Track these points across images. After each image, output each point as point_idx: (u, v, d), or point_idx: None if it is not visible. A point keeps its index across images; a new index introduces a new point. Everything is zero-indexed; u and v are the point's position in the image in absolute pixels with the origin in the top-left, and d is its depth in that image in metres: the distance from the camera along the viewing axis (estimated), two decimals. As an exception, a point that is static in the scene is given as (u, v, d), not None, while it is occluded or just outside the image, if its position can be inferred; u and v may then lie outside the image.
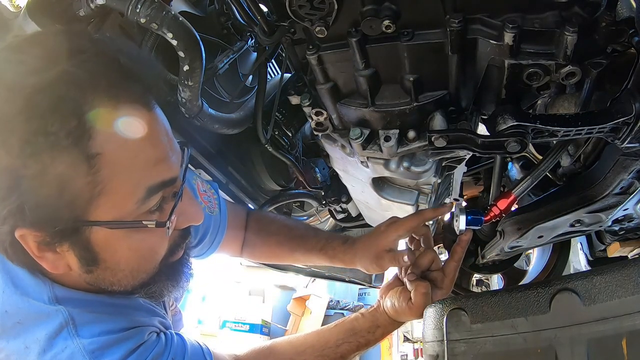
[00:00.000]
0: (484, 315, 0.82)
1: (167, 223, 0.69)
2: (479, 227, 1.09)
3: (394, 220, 1.08)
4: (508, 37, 0.71)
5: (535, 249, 2.05)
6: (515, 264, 1.90)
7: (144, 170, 0.65)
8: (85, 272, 0.70)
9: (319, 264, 1.19)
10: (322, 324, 5.22)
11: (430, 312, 0.87)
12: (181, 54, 1.00)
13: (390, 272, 1.21)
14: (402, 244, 1.14)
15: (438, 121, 0.85)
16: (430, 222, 1.28)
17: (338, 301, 5.90)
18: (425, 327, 0.88)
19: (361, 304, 6.36)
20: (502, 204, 1.08)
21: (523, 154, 0.86)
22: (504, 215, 1.09)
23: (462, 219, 1.05)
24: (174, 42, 0.98)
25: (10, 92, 0.57)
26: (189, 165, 1.04)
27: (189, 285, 0.86)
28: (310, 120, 0.99)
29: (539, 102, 1.03)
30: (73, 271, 0.70)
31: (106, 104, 0.60)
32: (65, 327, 0.71)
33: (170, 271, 0.78)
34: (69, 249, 0.67)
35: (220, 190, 1.19)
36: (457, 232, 1.07)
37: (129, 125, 0.63)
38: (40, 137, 0.56)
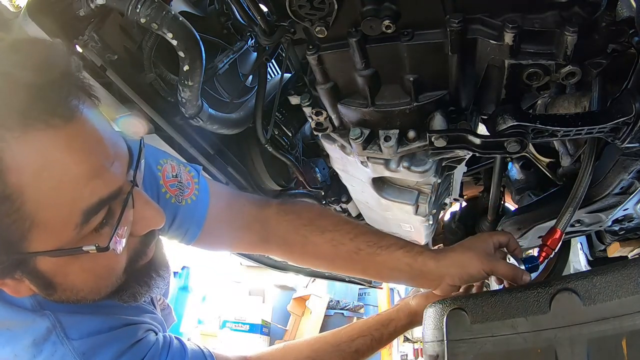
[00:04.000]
0: (484, 315, 0.82)
1: (109, 246, 0.62)
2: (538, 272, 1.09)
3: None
4: (508, 37, 0.71)
5: (535, 249, 2.05)
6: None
7: (74, 194, 0.58)
8: (47, 297, 0.67)
9: (391, 274, 0.99)
10: (322, 324, 5.22)
11: (430, 312, 0.87)
12: (181, 54, 1.00)
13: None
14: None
15: (438, 121, 0.85)
16: (431, 222, 1.29)
17: (338, 301, 5.90)
18: (425, 327, 0.88)
19: (361, 304, 6.35)
20: (552, 242, 1.03)
21: (523, 154, 0.86)
22: (555, 252, 1.07)
23: None
24: (174, 42, 0.98)
25: None
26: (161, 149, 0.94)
27: (183, 283, 0.84)
28: (310, 120, 0.99)
29: (539, 102, 1.03)
30: (36, 293, 0.67)
31: (13, 133, 0.53)
32: (53, 330, 0.69)
33: (140, 276, 0.73)
34: (23, 277, 0.64)
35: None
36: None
37: (45, 150, 0.55)
38: None
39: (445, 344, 0.82)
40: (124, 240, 0.65)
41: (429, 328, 0.86)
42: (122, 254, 0.67)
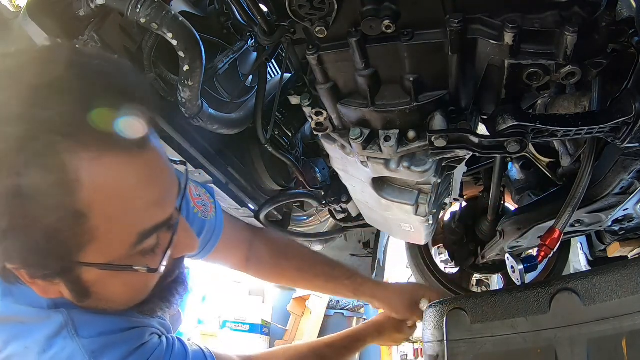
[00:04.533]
0: (484, 315, 0.82)
1: (159, 268, 0.67)
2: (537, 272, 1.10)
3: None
4: (508, 37, 0.71)
5: (535, 249, 2.05)
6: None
7: (136, 217, 0.62)
8: (77, 302, 0.70)
9: (339, 295, 1.26)
10: (322, 324, 5.22)
11: (431, 312, 0.87)
12: (181, 54, 1.00)
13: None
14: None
15: (438, 121, 0.85)
16: (431, 222, 1.29)
17: (338, 301, 5.89)
18: (425, 327, 0.89)
19: (361, 304, 6.34)
20: (551, 242, 1.03)
21: (523, 154, 0.86)
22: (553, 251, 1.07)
23: (520, 270, 1.04)
24: (174, 42, 0.98)
25: None
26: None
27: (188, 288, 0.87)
28: (310, 120, 0.99)
29: (539, 102, 1.03)
30: (65, 297, 0.69)
31: (91, 153, 0.55)
32: (65, 327, 0.71)
33: (163, 292, 0.78)
34: (60, 282, 0.66)
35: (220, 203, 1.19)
36: (517, 283, 1.06)
37: (119, 173, 0.58)
38: (20, 195, 0.53)
39: (445, 344, 0.83)
40: (165, 262, 0.69)
41: (429, 328, 0.86)
42: (158, 275, 0.72)
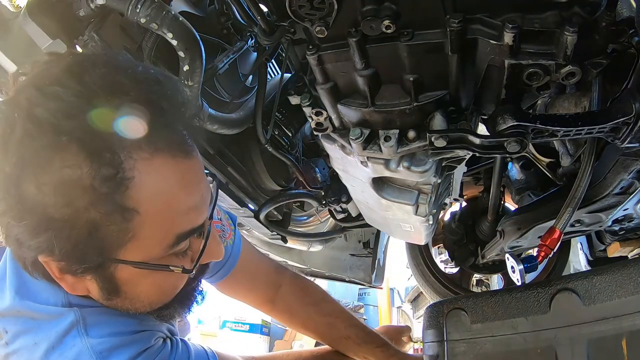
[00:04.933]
0: (484, 315, 0.82)
1: (193, 270, 0.71)
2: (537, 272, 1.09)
3: None
4: (508, 37, 0.71)
5: (535, 249, 2.05)
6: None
7: (175, 219, 0.65)
8: (104, 299, 0.71)
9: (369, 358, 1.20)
10: (322, 324, 5.21)
11: (430, 312, 0.87)
12: (181, 54, 1.00)
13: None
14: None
15: (438, 121, 0.85)
16: (431, 222, 1.29)
17: (338, 301, 5.88)
18: (425, 327, 0.88)
19: (361, 304, 6.35)
20: (551, 242, 1.04)
21: (523, 154, 0.86)
22: (553, 251, 1.07)
23: (520, 270, 1.04)
24: (174, 42, 0.98)
25: (45, 134, 0.55)
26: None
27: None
28: (310, 120, 0.99)
29: (539, 102, 1.03)
30: (91, 294, 0.71)
31: (144, 153, 0.59)
32: (76, 325, 0.71)
33: (183, 298, 0.80)
34: (92, 279, 0.67)
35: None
36: (517, 284, 1.06)
37: (167, 176, 0.62)
38: (74, 185, 0.56)
39: (445, 344, 0.82)
40: (197, 265, 0.73)
41: (428, 328, 0.86)
42: (186, 278, 0.75)
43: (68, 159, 0.55)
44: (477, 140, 0.82)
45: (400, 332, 1.34)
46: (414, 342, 1.36)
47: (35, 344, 0.71)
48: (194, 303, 0.83)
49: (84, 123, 0.55)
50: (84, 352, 0.70)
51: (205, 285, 0.94)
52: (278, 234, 1.76)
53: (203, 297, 0.86)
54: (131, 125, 0.58)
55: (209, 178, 0.75)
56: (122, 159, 0.57)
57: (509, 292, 0.84)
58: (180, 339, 0.87)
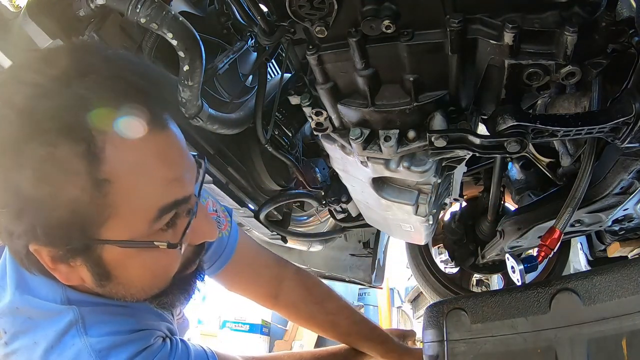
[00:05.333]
0: (484, 315, 0.82)
1: (178, 245, 0.69)
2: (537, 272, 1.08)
3: None
4: (508, 37, 0.71)
5: (536, 249, 2.05)
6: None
7: (156, 191, 0.65)
8: (97, 287, 0.71)
9: (372, 353, 1.21)
10: (322, 324, 5.21)
11: (430, 312, 0.87)
12: (181, 54, 1.00)
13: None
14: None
15: (438, 121, 0.85)
16: (431, 222, 1.29)
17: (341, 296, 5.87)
18: (424, 327, 0.88)
19: (361, 304, 6.35)
20: (551, 242, 1.03)
21: (523, 154, 0.86)
22: (554, 251, 1.06)
23: (520, 270, 1.03)
24: (174, 42, 0.98)
25: (22, 117, 0.57)
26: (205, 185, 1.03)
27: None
28: (310, 121, 0.99)
29: (539, 102, 1.03)
30: (86, 283, 0.71)
31: (117, 127, 0.60)
32: (75, 324, 0.71)
33: (183, 283, 0.79)
34: (82, 264, 0.67)
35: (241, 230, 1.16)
36: (518, 284, 1.06)
37: (141, 148, 0.63)
38: (50, 163, 0.57)
39: (446, 344, 0.82)
40: (185, 244, 0.72)
41: (428, 328, 0.86)
42: (178, 259, 0.74)
43: (43, 139, 0.56)
44: (477, 140, 0.82)
45: (405, 336, 1.34)
46: (419, 346, 1.35)
47: (35, 344, 0.71)
48: (195, 287, 0.82)
49: (58, 103, 0.57)
50: (83, 351, 0.70)
51: (204, 285, 0.93)
52: (278, 234, 1.76)
53: (204, 280, 0.85)
54: (102, 101, 0.59)
55: (196, 160, 0.75)
56: (94, 134, 0.58)
57: (509, 292, 0.84)
58: (180, 339, 0.87)
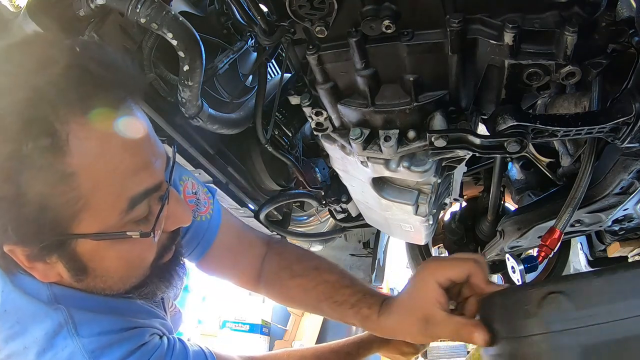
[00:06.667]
0: (590, 299, 0.67)
1: (151, 233, 0.68)
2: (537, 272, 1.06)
3: (431, 262, 0.90)
4: (508, 37, 0.71)
5: (536, 249, 2.05)
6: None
7: (124, 181, 0.64)
8: (75, 282, 0.71)
9: (349, 324, 0.99)
10: (322, 324, 5.22)
11: (517, 299, 0.71)
12: (181, 54, 1.00)
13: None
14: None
15: (438, 121, 0.85)
16: (431, 222, 1.29)
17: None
18: (502, 320, 0.73)
19: (361, 304, 6.32)
20: (551, 242, 1.02)
21: (523, 154, 0.86)
22: (553, 251, 1.04)
23: (520, 270, 1.02)
24: (174, 42, 0.98)
25: None
26: (185, 166, 1.00)
27: (185, 283, 0.85)
28: (310, 121, 0.99)
29: (539, 102, 1.03)
30: (64, 279, 0.70)
31: (79, 118, 0.59)
32: (65, 326, 0.71)
33: (162, 272, 0.78)
34: (58, 260, 0.67)
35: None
36: (517, 284, 1.05)
37: (106, 137, 0.61)
38: (14, 161, 0.56)
39: (544, 336, 0.67)
40: (159, 232, 0.70)
41: (518, 319, 0.69)
42: (153, 247, 0.73)
43: (6, 135, 0.56)
44: (477, 140, 0.82)
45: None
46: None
47: (25, 348, 0.70)
48: (176, 276, 0.81)
49: (18, 98, 0.56)
50: (76, 353, 0.70)
51: (185, 273, 0.89)
52: (278, 234, 1.76)
53: (185, 269, 0.83)
54: (63, 92, 0.58)
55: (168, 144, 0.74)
56: (57, 126, 0.57)
57: (617, 269, 0.72)
58: (178, 338, 0.87)
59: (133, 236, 0.66)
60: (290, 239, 1.86)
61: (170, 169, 0.74)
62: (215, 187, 1.10)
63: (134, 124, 0.65)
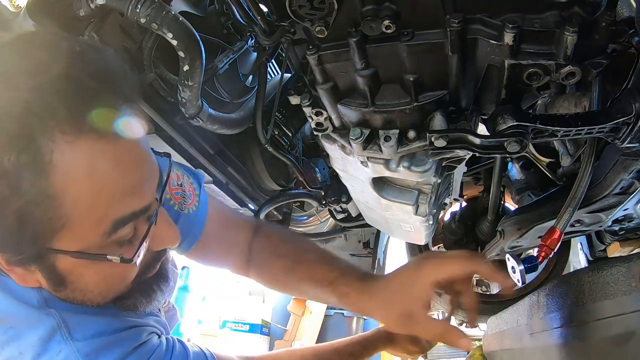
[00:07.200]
0: None
1: (133, 259, 0.65)
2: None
3: (431, 259, 0.86)
4: (508, 37, 0.71)
5: (535, 249, 2.05)
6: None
7: (110, 203, 0.60)
8: (54, 291, 0.69)
9: (330, 303, 0.97)
10: (322, 324, 5.21)
11: (615, 272, 0.64)
12: (181, 54, 1.00)
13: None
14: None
15: (438, 121, 0.85)
16: (431, 223, 1.29)
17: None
18: (607, 295, 0.65)
19: (361, 304, 6.31)
20: (551, 242, 1.01)
21: (523, 154, 0.86)
22: (554, 251, 1.04)
23: (520, 271, 1.02)
24: (174, 42, 0.98)
25: None
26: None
27: (185, 283, 0.84)
28: (310, 121, 0.99)
29: (539, 102, 1.03)
30: (43, 287, 0.68)
31: (66, 136, 0.55)
32: (58, 330, 0.69)
33: (144, 287, 0.76)
34: (36, 270, 0.65)
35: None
36: (518, 285, 1.05)
37: (92, 156, 0.57)
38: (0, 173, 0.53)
39: None
40: (142, 253, 0.68)
41: (609, 298, 0.63)
42: (134, 269, 0.70)
43: None
44: (477, 140, 0.82)
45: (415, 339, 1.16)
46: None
47: (21, 354, 0.69)
48: (157, 291, 0.78)
49: (5, 108, 0.53)
50: (70, 357, 0.69)
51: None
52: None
53: (169, 283, 0.81)
54: (52, 107, 0.54)
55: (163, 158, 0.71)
56: (41, 143, 0.53)
57: None
58: (177, 339, 0.86)
59: (113, 260, 0.64)
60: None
61: (162, 188, 0.70)
62: (202, 171, 1.05)
63: (126, 144, 0.61)
